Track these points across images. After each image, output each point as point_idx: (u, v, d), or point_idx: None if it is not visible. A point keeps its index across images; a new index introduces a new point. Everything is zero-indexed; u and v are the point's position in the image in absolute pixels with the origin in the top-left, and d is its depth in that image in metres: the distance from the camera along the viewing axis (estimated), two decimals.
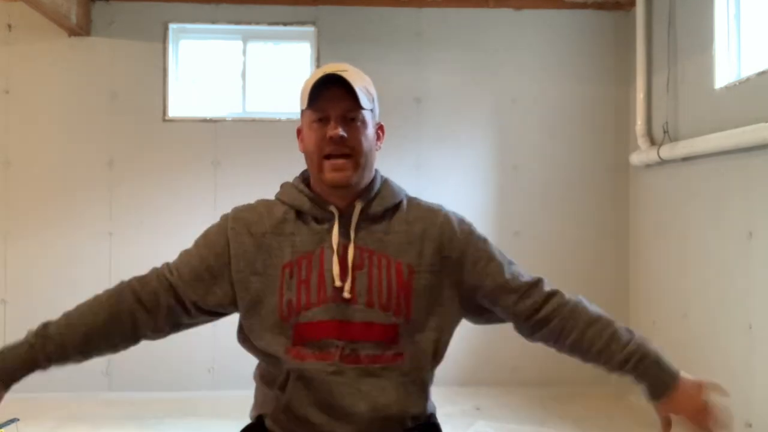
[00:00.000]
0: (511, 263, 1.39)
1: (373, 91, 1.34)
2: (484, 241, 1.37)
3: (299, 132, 1.36)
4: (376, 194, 1.33)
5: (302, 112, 1.33)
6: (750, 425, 2.91)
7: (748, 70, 3.10)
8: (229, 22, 4.15)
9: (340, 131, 1.25)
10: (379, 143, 1.37)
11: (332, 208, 1.30)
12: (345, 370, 1.24)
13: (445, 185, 4.11)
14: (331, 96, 1.26)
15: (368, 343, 1.24)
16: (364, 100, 1.26)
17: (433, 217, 1.34)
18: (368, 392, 1.24)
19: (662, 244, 3.78)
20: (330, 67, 1.28)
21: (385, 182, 1.37)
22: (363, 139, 1.28)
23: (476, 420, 3.47)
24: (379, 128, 1.37)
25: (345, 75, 1.25)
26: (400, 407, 1.26)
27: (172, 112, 4.14)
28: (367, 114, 1.30)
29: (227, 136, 4.13)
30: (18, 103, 4.05)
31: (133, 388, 4.00)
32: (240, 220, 1.33)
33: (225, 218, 1.36)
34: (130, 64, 4.10)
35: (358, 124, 1.28)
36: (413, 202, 1.38)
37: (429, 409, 1.36)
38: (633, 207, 4.20)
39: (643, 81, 3.90)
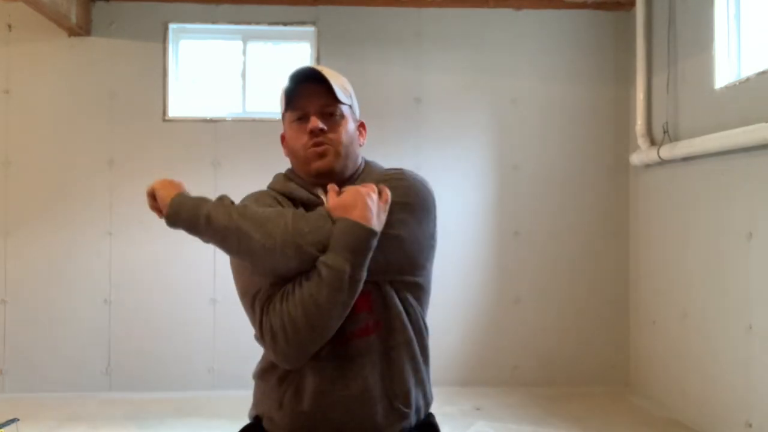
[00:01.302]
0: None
1: (350, 88, 1.39)
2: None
3: (283, 138, 1.42)
4: (359, 177, 1.36)
5: (283, 116, 1.39)
6: (750, 425, 2.91)
7: (748, 70, 3.10)
8: (229, 22, 4.15)
9: (319, 123, 1.30)
10: (361, 140, 1.41)
11: (319, 192, 1.34)
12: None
13: (445, 185, 4.11)
14: (307, 94, 1.31)
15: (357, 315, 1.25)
16: (340, 94, 1.31)
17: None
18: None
19: (662, 244, 3.78)
20: (301, 67, 1.33)
21: (367, 165, 1.40)
22: (342, 132, 1.33)
23: (476, 420, 3.47)
24: (361, 125, 1.42)
25: (319, 70, 1.30)
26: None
27: (172, 112, 4.14)
28: (345, 108, 1.35)
29: (227, 136, 4.13)
30: (18, 103, 4.05)
31: (133, 388, 4.01)
32: None
33: None
34: (130, 64, 4.10)
35: (337, 117, 1.33)
36: (377, 169, 1.40)
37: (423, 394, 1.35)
38: (633, 207, 4.20)
39: (643, 81, 3.90)
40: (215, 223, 1.22)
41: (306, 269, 1.19)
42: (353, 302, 1.20)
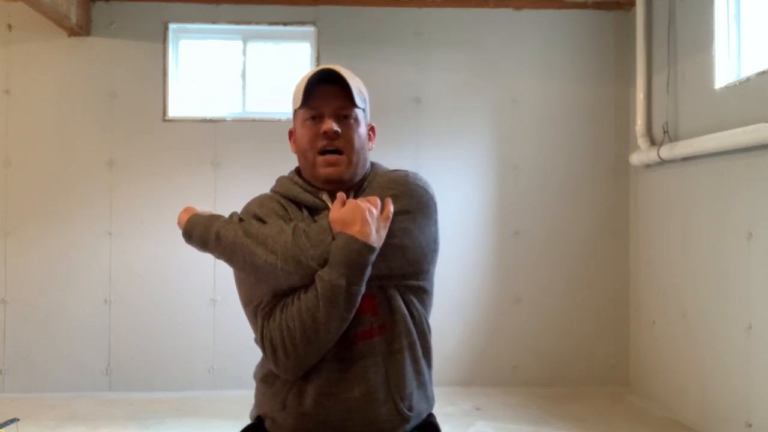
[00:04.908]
0: None
1: (365, 91, 1.38)
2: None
3: (291, 134, 1.41)
4: (369, 183, 1.36)
5: (295, 112, 1.37)
6: (750, 425, 2.91)
7: (748, 70, 3.10)
8: (229, 22, 4.15)
9: (334, 126, 1.28)
10: (371, 143, 1.40)
11: (325, 197, 1.33)
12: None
13: (445, 185, 4.11)
14: (324, 94, 1.30)
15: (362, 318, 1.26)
16: (357, 98, 1.30)
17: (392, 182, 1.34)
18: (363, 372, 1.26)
19: (662, 244, 3.78)
20: (323, 67, 1.31)
21: (373, 169, 1.40)
22: (355, 137, 1.32)
23: (476, 420, 3.47)
24: (371, 129, 1.41)
25: (339, 72, 1.29)
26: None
27: (172, 112, 4.14)
28: (359, 113, 1.34)
29: (227, 136, 4.12)
30: (18, 103, 4.05)
31: (133, 388, 4.01)
32: (247, 213, 1.37)
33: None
34: (130, 64, 4.10)
35: (351, 121, 1.32)
36: (381, 171, 1.40)
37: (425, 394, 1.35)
38: (633, 207, 4.20)
39: (643, 81, 3.90)
40: (224, 240, 1.27)
41: (308, 283, 1.20)
42: (351, 316, 1.21)
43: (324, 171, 1.31)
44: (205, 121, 4.13)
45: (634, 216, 4.18)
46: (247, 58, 4.26)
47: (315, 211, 1.33)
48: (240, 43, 4.26)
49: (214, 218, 1.33)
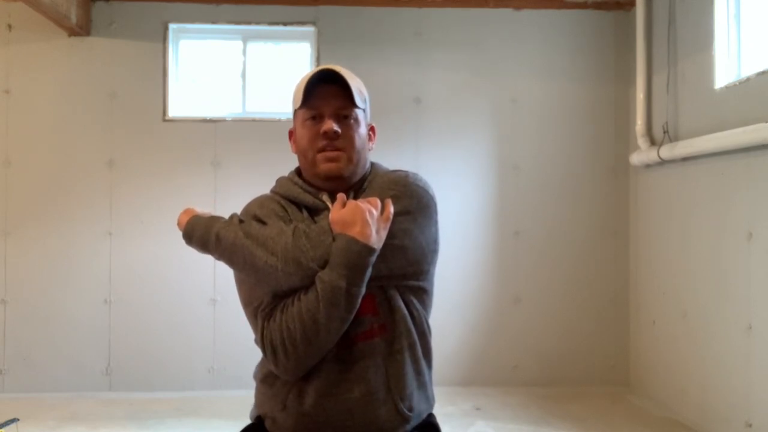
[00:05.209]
0: None
1: (365, 92, 1.38)
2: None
3: (291, 134, 1.41)
4: (369, 183, 1.35)
5: (295, 112, 1.37)
6: (750, 425, 2.91)
7: (748, 70, 3.10)
8: (229, 22, 4.15)
9: (334, 126, 1.28)
10: (371, 144, 1.40)
11: (325, 197, 1.33)
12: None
13: (445, 185, 4.11)
14: (324, 94, 1.30)
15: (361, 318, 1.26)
16: (357, 98, 1.30)
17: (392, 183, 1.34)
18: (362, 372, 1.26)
19: (662, 244, 3.78)
20: (323, 67, 1.31)
21: (373, 169, 1.40)
22: (356, 137, 1.32)
23: (476, 420, 3.47)
24: (371, 129, 1.41)
25: (339, 73, 1.29)
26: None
27: (172, 112, 4.14)
28: (359, 113, 1.33)
29: (227, 136, 4.13)
30: (18, 103, 4.05)
31: (133, 388, 4.01)
32: (247, 214, 1.36)
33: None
34: (130, 64, 4.10)
35: (351, 121, 1.32)
36: (381, 171, 1.40)
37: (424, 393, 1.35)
38: (633, 207, 4.20)
39: (643, 81, 3.90)
40: (224, 241, 1.26)
41: (308, 284, 1.20)
42: (351, 317, 1.21)
43: (324, 166, 1.30)
44: (205, 121, 4.13)
45: (634, 216, 4.18)
46: (247, 58, 4.26)
47: (315, 211, 1.32)
48: (240, 43, 4.26)
49: (214, 220, 1.32)
